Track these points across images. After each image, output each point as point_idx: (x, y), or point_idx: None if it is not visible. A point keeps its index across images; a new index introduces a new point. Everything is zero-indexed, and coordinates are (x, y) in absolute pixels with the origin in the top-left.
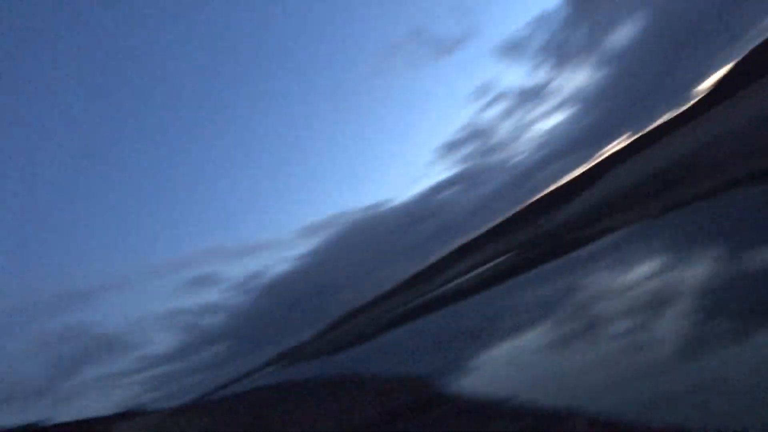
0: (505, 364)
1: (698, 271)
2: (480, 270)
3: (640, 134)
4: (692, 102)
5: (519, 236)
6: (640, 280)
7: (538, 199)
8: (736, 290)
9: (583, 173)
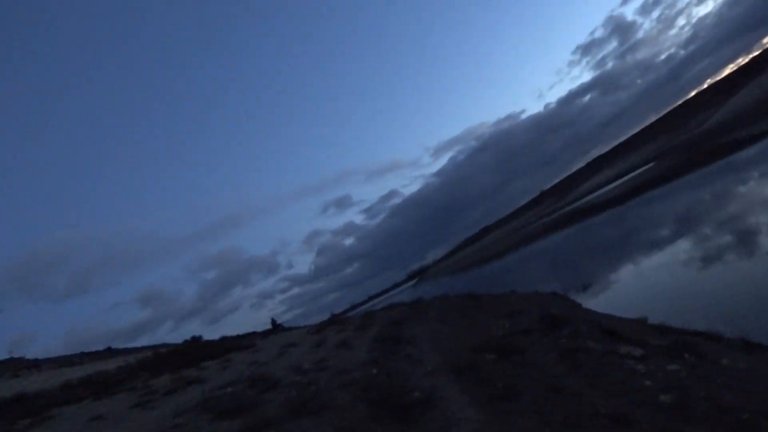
0: (642, 280)
1: None
2: (620, 181)
3: None
4: None
5: (662, 143)
6: None
7: (686, 101)
8: None
9: (740, 68)
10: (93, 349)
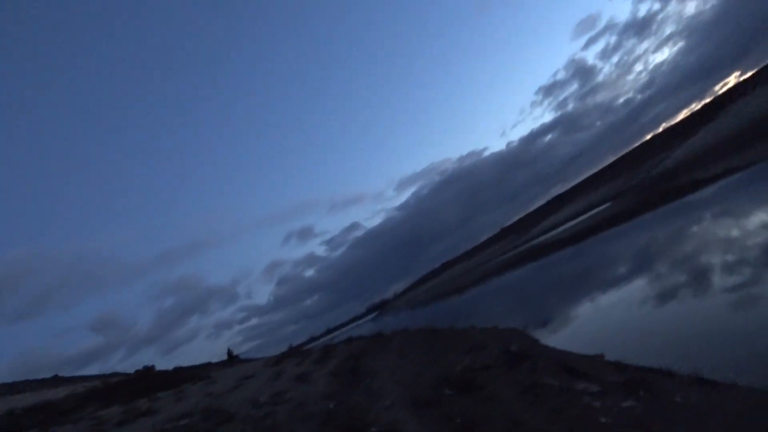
0: (599, 319)
1: None
2: (578, 220)
3: (761, 65)
4: None
5: (622, 183)
6: (761, 228)
7: (642, 143)
8: None
9: (694, 113)
10: (40, 376)
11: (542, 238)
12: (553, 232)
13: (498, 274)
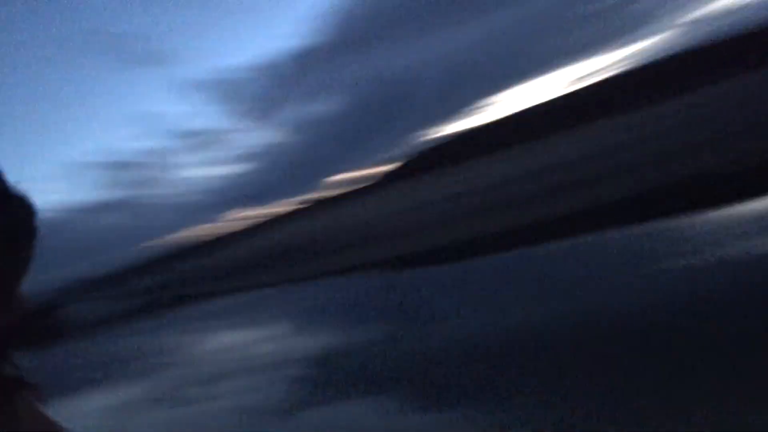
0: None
1: (309, 343)
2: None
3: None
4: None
5: (134, 283)
6: (248, 343)
7: (167, 246)
8: (332, 363)
9: (219, 231)
10: None
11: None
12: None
13: None
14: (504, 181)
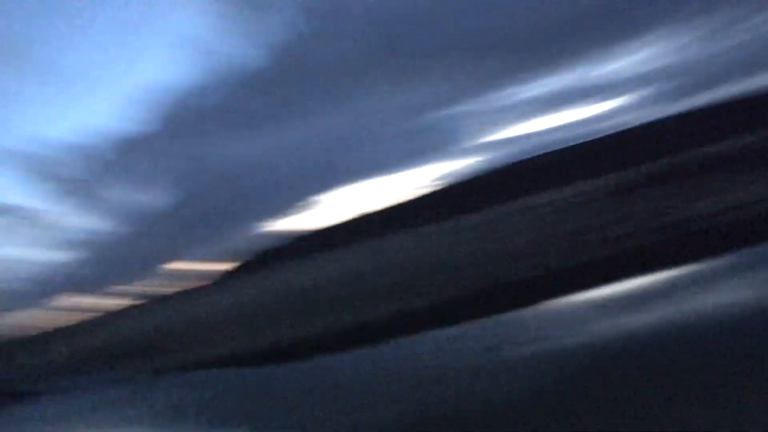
0: None
1: None
2: None
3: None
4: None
5: None
6: None
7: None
8: None
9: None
10: None
11: None
12: None
13: None
14: (340, 278)
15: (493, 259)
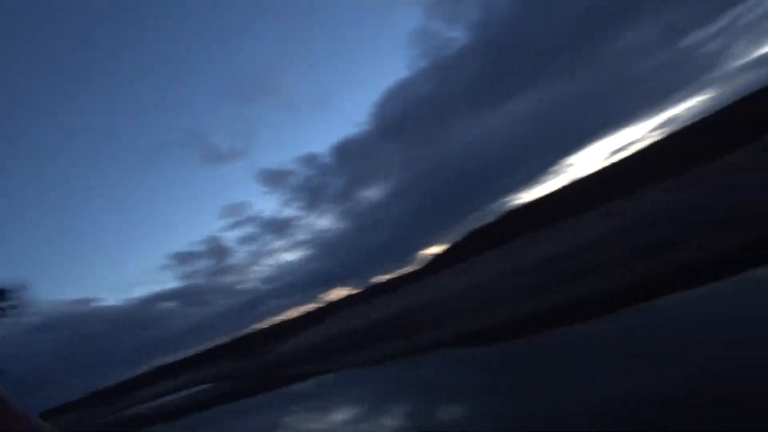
0: None
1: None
2: (173, 397)
3: (362, 288)
4: (413, 268)
5: (227, 366)
6: (337, 424)
7: (256, 331)
8: None
9: (305, 314)
10: None
11: (138, 408)
12: (151, 403)
13: None
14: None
15: None
